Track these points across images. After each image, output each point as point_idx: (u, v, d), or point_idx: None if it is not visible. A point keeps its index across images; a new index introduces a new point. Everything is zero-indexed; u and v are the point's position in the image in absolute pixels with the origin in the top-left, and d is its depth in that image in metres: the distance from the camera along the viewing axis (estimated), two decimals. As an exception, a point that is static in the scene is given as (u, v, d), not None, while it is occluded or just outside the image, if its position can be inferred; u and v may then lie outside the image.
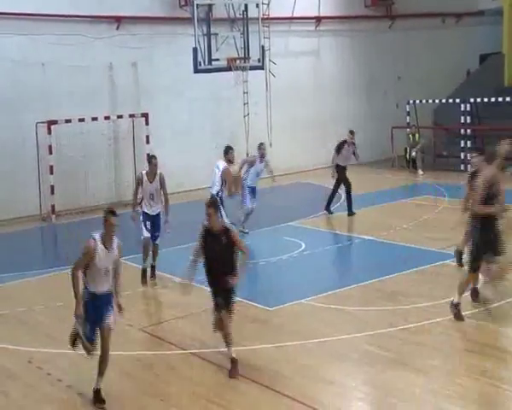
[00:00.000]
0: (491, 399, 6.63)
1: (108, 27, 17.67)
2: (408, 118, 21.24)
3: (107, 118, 17.17)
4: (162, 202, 10.59)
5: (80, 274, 6.71)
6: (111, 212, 6.72)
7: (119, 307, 6.85)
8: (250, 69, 17.32)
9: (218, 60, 16.71)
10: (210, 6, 17.18)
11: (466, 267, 8.78)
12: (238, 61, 16.90)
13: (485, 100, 19.83)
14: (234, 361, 7.27)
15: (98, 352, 6.84)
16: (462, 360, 7.43)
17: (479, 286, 8.92)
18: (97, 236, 6.67)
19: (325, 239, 13.08)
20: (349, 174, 14.97)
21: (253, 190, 13.38)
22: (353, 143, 14.82)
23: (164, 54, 18.49)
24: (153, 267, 10.74)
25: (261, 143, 13.74)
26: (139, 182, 10.53)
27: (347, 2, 22.14)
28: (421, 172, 19.98)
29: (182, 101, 18.76)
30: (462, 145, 20.00)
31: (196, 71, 16.39)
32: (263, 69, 17.63)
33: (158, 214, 10.57)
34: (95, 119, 16.62)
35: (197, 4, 16.04)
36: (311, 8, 21.06)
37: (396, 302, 9.25)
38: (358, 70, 22.45)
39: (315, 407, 6.52)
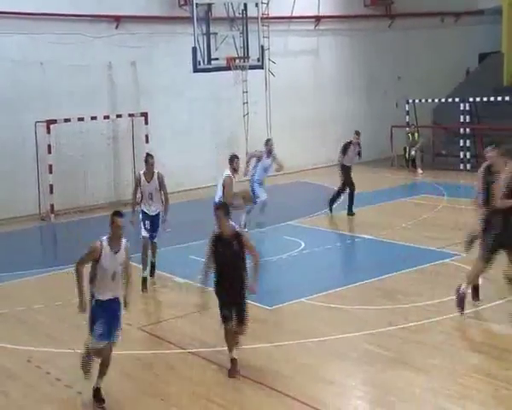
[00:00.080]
0: (491, 398, 6.62)
1: (108, 27, 17.66)
2: (407, 117, 21.25)
3: (106, 117, 17.16)
4: (162, 202, 10.56)
5: (84, 270, 6.62)
6: (117, 213, 6.65)
7: (125, 303, 6.76)
8: (249, 68, 17.33)
9: (217, 59, 16.72)
10: (209, 5, 17.19)
11: (478, 256, 8.57)
12: (237, 61, 16.91)
13: (485, 99, 19.84)
14: (234, 361, 7.26)
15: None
16: (462, 359, 7.42)
17: (480, 283, 8.90)
18: (104, 238, 6.60)
19: (325, 238, 13.08)
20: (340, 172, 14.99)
21: (260, 185, 13.47)
22: (358, 144, 14.83)
23: (163, 53, 18.48)
24: (152, 266, 10.70)
25: (268, 139, 13.83)
26: (137, 182, 10.52)
27: (347, 2, 22.14)
28: (420, 171, 19.99)
29: (181, 100, 18.75)
30: (462, 144, 20.02)
31: (196, 70, 16.39)
32: (262, 68, 17.64)
33: (157, 214, 10.53)
34: (94, 118, 16.61)
35: (196, 3, 16.05)
36: (310, 8, 21.06)
37: (395, 301, 9.25)
38: (358, 69, 22.45)
39: (315, 407, 6.52)
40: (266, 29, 17.91)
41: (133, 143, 17.76)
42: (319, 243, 12.58)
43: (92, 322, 6.65)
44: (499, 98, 19.60)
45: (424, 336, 8.09)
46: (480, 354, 7.54)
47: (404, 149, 20.82)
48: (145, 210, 10.46)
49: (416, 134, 20.71)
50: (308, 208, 15.47)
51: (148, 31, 18.25)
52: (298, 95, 20.87)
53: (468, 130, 20.04)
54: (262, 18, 17.51)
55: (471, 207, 9.67)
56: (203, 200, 17.57)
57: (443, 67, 23.15)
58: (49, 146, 16.13)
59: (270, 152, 13.57)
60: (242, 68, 17.22)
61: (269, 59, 18.15)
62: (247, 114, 18.15)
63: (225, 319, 7.18)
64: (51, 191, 16.23)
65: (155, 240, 10.61)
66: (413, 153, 20.42)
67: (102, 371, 6.76)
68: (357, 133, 14.99)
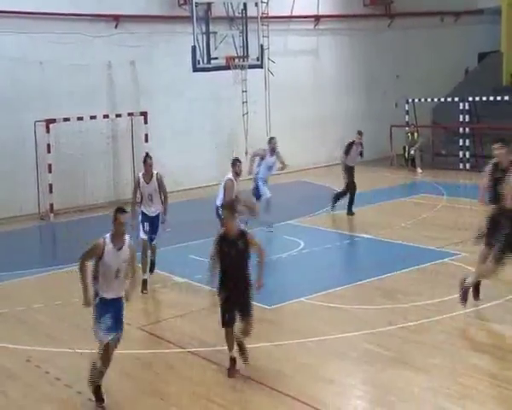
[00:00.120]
0: (491, 398, 6.62)
1: (107, 26, 17.64)
2: (407, 117, 21.26)
3: (105, 117, 17.14)
4: (162, 203, 10.51)
5: (88, 266, 6.58)
6: (120, 209, 6.60)
7: (127, 297, 6.73)
8: (249, 68, 17.30)
9: (216, 58, 16.70)
10: (209, 4, 17.16)
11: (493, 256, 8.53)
12: (237, 60, 16.89)
13: (484, 99, 19.85)
14: (233, 360, 7.26)
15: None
16: (462, 358, 7.42)
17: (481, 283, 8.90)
18: (107, 235, 6.57)
19: (324, 238, 13.07)
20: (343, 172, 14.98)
21: (264, 183, 13.47)
22: (361, 144, 14.80)
23: (163, 52, 18.46)
24: (152, 263, 10.68)
25: (272, 138, 13.77)
26: (136, 184, 10.45)
27: (346, 1, 22.13)
28: (419, 170, 19.99)
29: (181, 99, 18.73)
30: (461, 144, 20.03)
31: (195, 70, 16.37)
32: (262, 68, 17.62)
33: (157, 215, 10.47)
34: (93, 117, 16.60)
35: (196, 3, 16.03)
36: (310, 7, 21.04)
37: (395, 301, 9.26)
38: (357, 69, 22.44)
39: (315, 406, 6.51)
40: (266, 28, 17.89)
41: (132, 142, 17.75)
42: (319, 243, 12.58)
43: (98, 318, 6.59)
44: (498, 98, 19.60)
45: (424, 335, 8.09)
46: (480, 353, 7.54)
47: (404, 148, 20.83)
48: (145, 211, 10.43)
49: (416, 134, 20.71)
50: (308, 208, 15.47)
51: (148, 30, 18.23)
52: (297, 94, 20.85)
53: (467, 129, 20.05)
54: (261, 17, 17.49)
55: (476, 206, 9.63)
56: (203, 199, 17.58)
57: (442, 66, 23.14)
58: (49, 145, 16.11)
59: (273, 150, 13.56)
60: (242, 68, 17.20)
61: (268, 58, 18.14)
62: (247, 113, 18.14)
63: (227, 324, 7.15)
64: (51, 191, 16.22)
65: (154, 242, 10.57)
66: (412, 152, 20.42)
67: (102, 371, 6.71)
68: (360, 133, 14.92)
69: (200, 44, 16.23)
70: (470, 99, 19.90)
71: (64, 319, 9.35)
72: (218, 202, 10.88)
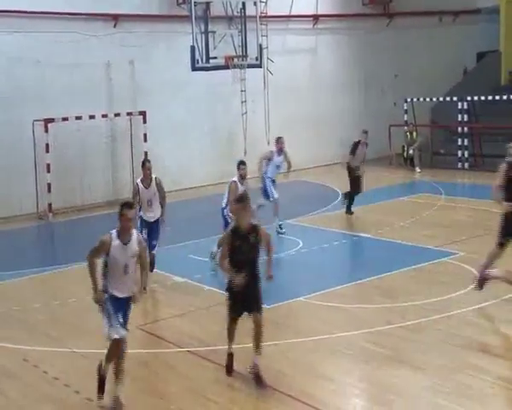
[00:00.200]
0: (488, 396, 6.63)
1: (106, 25, 17.63)
2: (405, 116, 21.27)
3: (104, 116, 17.14)
4: (161, 206, 10.44)
5: (96, 262, 6.51)
6: (126, 204, 6.51)
7: (135, 298, 6.64)
8: (248, 67, 17.31)
9: (215, 58, 16.71)
10: (208, 4, 17.16)
11: None
12: (236, 59, 16.89)
13: (482, 98, 19.86)
14: (230, 356, 7.16)
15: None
16: (460, 357, 7.43)
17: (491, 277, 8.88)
18: (114, 231, 6.49)
19: (322, 237, 13.07)
20: (346, 172, 14.94)
21: (273, 183, 13.37)
22: (366, 144, 14.72)
23: (161, 52, 18.46)
24: (151, 263, 10.61)
25: (279, 137, 13.61)
26: (136, 192, 10.30)
27: (345, 1, 22.13)
28: (418, 169, 20.01)
29: (179, 99, 18.73)
30: (460, 143, 20.04)
31: (194, 69, 16.38)
32: (260, 67, 17.62)
33: (156, 221, 10.44)
34: (92, 117, 16.59)
35: (195, 2, 16.04)
36: (308, 7, 21.06)
37: (393, 300, 9.26)
38: (356, 68, 22.45)
39: (313, 405, 6.52)
40: (264, 28, 17.89)
41: (131, 141, 17.75)
42: (317, 242, 12.58)
43: (108, 315, 6.49)
44: (497, 97, 19.61)
45: (422, 334, 8.10)
46: (478, 352, 7.55)
47: (403, 147, 20.84)
48: (144, 218, 10.37)
49: (415, 133, 20.73)
50: (306, 207, 15.47)
51: (147, 29, 18.22)
52: (296, 94, 20.86)
53: (466, 129, 20.06)
54: (260, 17, 17.49)
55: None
56: (201, 199, 17.60)
57: (441, 65, 23.15)
58: (47, 145, 16.10)
59: (281, 150, 13.46)
60: (241, 67, 17.20)
61: (267, 58, 18.14)
62: (246, 112, 18.14)
63: (233, 315, 7.08)
64: (49, 190, 16.21)
65: (155, 251, 10.47)
66: (411, 152, 20.43)
67: (119, 376, 6.60)
68: (366, 132, 14.76)
69: (199, 44, 16.24)
70: (469, 98, 19.92)
71: (62, 318, 9.35)
72: (223, 204, 10.93)
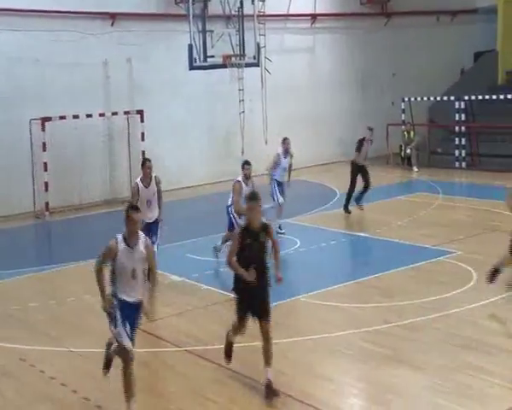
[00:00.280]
0: (486, 395, 6.62)
1: (103, 24, 17.59)
2: (403, 115, 21.28)
3: (101, 115, 17.11)
4: (159, 206, 10.44)
5: (104, 269, 6.39)
6: (133, 207, 6.46)
7: (146, 312, 6.49)
8: (245, 66, 17.28)
9: (213, 57, 16.66)
10: (205, 3, 17.16)
11: None
12: (233, 58, 16.86)
13: (480, 97, 19.89)
14: (230, 344, 7.13)
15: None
16: (458, 356, 7.42)
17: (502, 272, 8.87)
18: (119, 235, 6.39)
19: (320, 236, 13.06)
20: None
21: (280, 185, 13.22)
22: (371, 140, 14.67)
23: (159, 51, 18.42)
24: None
25: (285, 138, 13.41)
26: (135, 192, 10.21)
27: (343, 0, 22.13)
28: (415, 169, 20.02)
29: (177, 98, 18.71)
30: (457, 143, 20.07)
31: (192, 68, 16.34)
32: (258, 66, 17.61)
33: (155, 221, 10.39)
34: (89, 116, 16.56)
35: (193, 1, 16.02)
36: (306, 6, 21.05)
37: (391, 299, 9.26)
38: (354, 67, 22.45)
39: (312, 404, 6.52)
40: (262, 27, 17.88)
41: (129, 140, 17.72)
42: (315, 241, 12.57)
43: (119, 320, 6.32)
44: (494, 97, 19.65)
45: (420, 333, 8.10)
46: (476, 351, 7.54)
47: (400, 147, 20.86)
48: (143, 218, 10.34)
49: (412, 132, 20.75)
50: (304, 206, 15.46)
51: (144, 28, 18.19)
52: (294, 93, 20.85)
53: (463, 128, 20.09)
54: (258, 16, 17.48)
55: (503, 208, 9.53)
56: (199, 198, 17.59)
57: (439, 65, 23.18)
58: (44, 144, 16.06)
59: (287, 151, 13.33)
60: (238, 66, 17.17)
61: (265, 57, 18.12)
62: (243, 111, 18.12)
63: (242, 315, 6.98)
64: (46, 189, 16.18)
65: (155, 248, 10.41)
66: (409, 151, 20.46)
67: (130, 391, 6.29)
68: (371, 129, 14.65)
69: (197, 42, 16.21)
70: (466, 98, 19.94)
71: (59, 318, 9.32)
72: (229, 203, 10.95)
